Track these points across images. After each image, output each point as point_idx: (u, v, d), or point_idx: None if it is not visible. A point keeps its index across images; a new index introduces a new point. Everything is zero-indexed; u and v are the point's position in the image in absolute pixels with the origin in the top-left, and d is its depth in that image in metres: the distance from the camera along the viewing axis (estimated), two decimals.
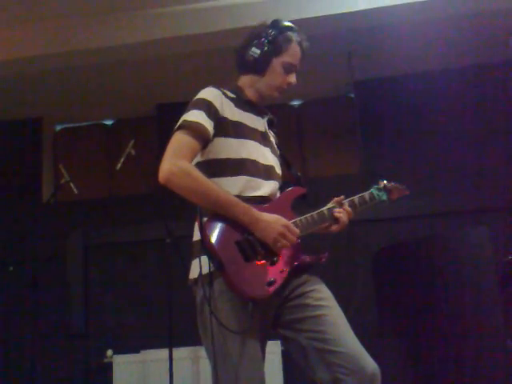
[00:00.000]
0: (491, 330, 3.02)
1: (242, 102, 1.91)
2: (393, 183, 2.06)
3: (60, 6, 3.83)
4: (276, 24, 1.94)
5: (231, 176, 1.79)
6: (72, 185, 3.88)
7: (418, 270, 3.31)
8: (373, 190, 2.02)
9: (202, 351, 3.57)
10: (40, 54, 4.03)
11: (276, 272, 1.72)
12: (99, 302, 4.17)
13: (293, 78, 1.94)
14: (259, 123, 1.94)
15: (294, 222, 1.78)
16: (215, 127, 1.79)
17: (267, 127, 1.98)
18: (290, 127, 4.65)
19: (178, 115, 5.24)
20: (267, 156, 1.90)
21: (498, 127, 4.19)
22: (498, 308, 3.02)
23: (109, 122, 5.09)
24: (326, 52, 4.12)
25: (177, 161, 1.69)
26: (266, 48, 1.89)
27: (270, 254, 1.72)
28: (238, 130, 1.84)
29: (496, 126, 4.19)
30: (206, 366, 3.53)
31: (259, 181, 1.83)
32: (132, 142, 3.77)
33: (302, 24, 3.71)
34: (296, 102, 4.88)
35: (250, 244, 1.70)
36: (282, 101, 4.73)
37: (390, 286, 3.49)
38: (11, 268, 4.22)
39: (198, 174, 1.70)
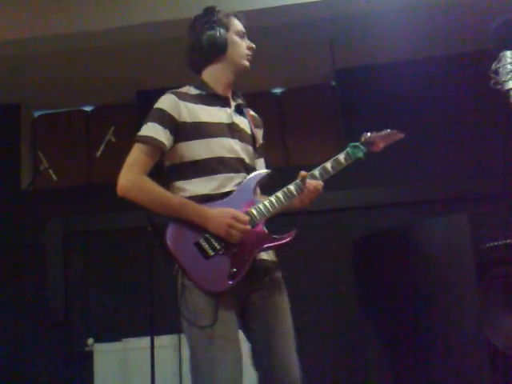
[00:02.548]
0: (468, 318, 3.05)
1: (206, 97, 1.97)
2: (375, 133, 2.07)
3: None
4: (209, 9, 2.07)
5: (198, 177, 1.89)
6: (51, 172, 3.83)
7: (398, 259, 3.33)
8: (348, 149, 2.04)
9: (184, 339, 3.59)
10: (18, 38, 3.94)
11: (240, 261, 1.80)
12: (79, 291, 4.14)
13: (250, 43, 2.06)
14: (224, 115, 1.98)
15: (255, 208, 1.86)
16: (175, 133, 1.88)
17: (235, 115, 2.01)
18: (272, 115, 4.64)
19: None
20: (235, 148, 1.95)
21: (480, 115, 4.21)
22: (475, 296, 3.05)
23: (88, 109, 5.02)
24: (308, 40, 4.12)
25: (130, 176, 1.84)
26: (217, 28, 1.99)
27: (229, 246, 1.81)
28: (199, 131, 1.90)
29: (478, 114, 4.21)
30: (188, 353, 3.55)
31: (227, 176, 1.90)
32: (112, 129, 3.74)
33: (283, 10, 3.78)
34: (278, 90, 4.86)
35: (207, 241, 1.80)
36: (264, 89, 4.72)
37: (370, 275, 3.52)
38: None
39: (150, 186, 1.83)
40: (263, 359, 1.89)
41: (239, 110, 2.05)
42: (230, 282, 1.79)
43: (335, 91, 4.64)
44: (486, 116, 4.18)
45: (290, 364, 1.89)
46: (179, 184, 1.91)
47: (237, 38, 2.03)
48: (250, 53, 2.05)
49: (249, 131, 2.05)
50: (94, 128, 4.88)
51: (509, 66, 2.09)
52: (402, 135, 2.11)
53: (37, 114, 5.06)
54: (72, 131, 4.94)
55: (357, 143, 2.05)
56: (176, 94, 1.94)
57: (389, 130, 2.09)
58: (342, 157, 2.02)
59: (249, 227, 1.82)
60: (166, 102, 1.91)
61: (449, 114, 4.28)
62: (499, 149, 4.03)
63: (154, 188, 1.84)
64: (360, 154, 2.04)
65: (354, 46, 4.25)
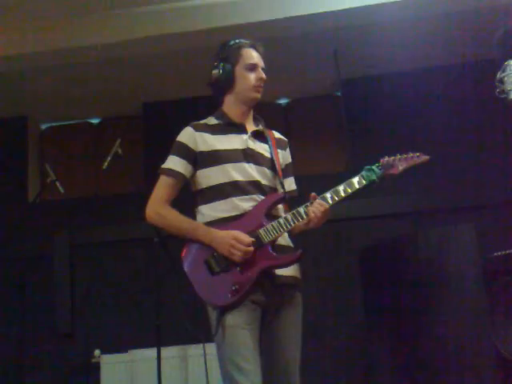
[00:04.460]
0: (475, 327, 3.03)
1: (223, 126, 2.14)
2: (393, 156, 2.09)
3: (45, 5, 3.81)
4: (222, 44, 2.17)
5: (215, 201, 2.07)
6: (58, 184, 3.86)
7: (404, 268, 3.33)
8: (363, 172, 2.06)
9: (190, 350, 3.60)
10: (26, 53, 4.02)
11: (244, 279, 1.96)
12: (86, 302, 4.15)
13: (261, 74, 2.13)
14: (239, 142, 2.12)
15: (264, 229, 1.99)
16: (193, 163, 2.10)
17: (251, 141, 2.14)
18: (277, 125, 4.64)
19: (164, 114, 5.22)
20: (249, 172, 2.09)
21: (484, 125, 4.22)
22: (484, 305, 3.04)
23: (95, 121, 5.07)
24: (313, 50, 4.14)
25: (153, 205, 2.09)
26: (222, 64, 2.11)
27: (233, 264, 1.97)
28: (214, 158, 2.08)
29: (482, 123, 4.22)
30: (194, 364, 3.55)
31: (241, 199, 2.05)
32: (118, 141, 3.76)
33: (289, 22, 3.80)
34: (283, 101, 4.89)
35: (215, 259, 1.98)
36: (269, 99, 4.74)
37: (377, 284, 3.51)
38: None
39: (167, 214, 2.08)
40: (265, 373, 1.97)
41: (257, 136, 2.17)
42: (231, 298, 1.93)
43: (340, 101, 4.66)
44: (489, 125, 4.18)
45: (290, 380, 2.02)
46: (201, 208, 2.11)
47: (244, 72, 2.11)
48: (259, 84, 2.12)
49: (268, 155, 2.15)
50: (100, 140, 4.92)
51: None
52: (426, 158, 2.11)
53: (44, 126, 5.10)
54: (78, 143, 4.98)
55: (372, 166, 2.06)
56: (194, 126, 2.13)
57: (411, 154, 2.11)
58: (355, 180, 2.05)
59: (251, 248, 1.96)
60: (184, 135, 2.12)
61: (452, 124, 4.28)
62: (503, 158, 4.03)
63: (172, 215, 2.07)
64: (373, 177, 2.04)
65: (359, 57, 4.26)
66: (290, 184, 2.23)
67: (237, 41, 2.14)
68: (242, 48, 2.12)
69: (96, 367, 3.72)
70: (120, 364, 3.65)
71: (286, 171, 2.22)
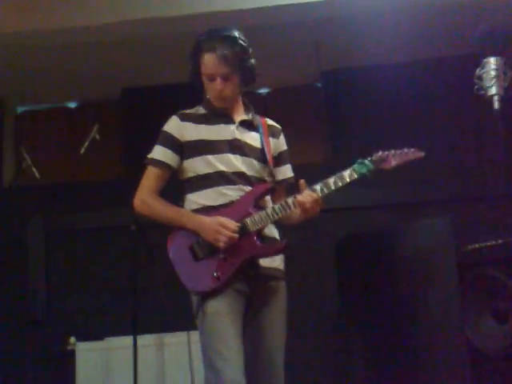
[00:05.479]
0: (451, 319, 3.07)
1: (210, 116, 2.13)
2: (387, 151, 2.05)
3: None
4: (195, 40, 2.08)
5: (201, 190, 2.08)
6: (34, 169, 3.80)
7: (381, 261, 3.36)
8: (354, 165, 2.03)
9: (166, 338, 3.60)
10: (3, 33, 3.91)
11: (225, 266, 1.97)
12: (61, 289, 4.10)
13: (216, 85, 2.05)
14: (226, 132, 2.11)
15: (250, 218, 1.99)
16: (180, 152, 2.11)
17: (238, 131, 2.12)
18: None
19: (143, 100, 5.15)
20: (234, 163, 2.08)
21: (465, 118, 4.25)
22: (457, 297, 3.08)
23: (73, 105, 4.99)
24: (294, 40, 4.13)
25: (140, 195, 2.12)
26: (191, 68, 2.10)
27: (217, 251, 1.99)
28: (201, 148, 2.08)
29: (463, 117, 4.25)
30: (170, 353, 3.55)
31: (227, 188, 2.05)
32: (96, 127, 3.72)
33: (270, 11, 3.78)
34: (263, 90, 4.87)
35: (199, 245, 2.01)
36: (250, 88, 4.71)
37: (353, 276, 3.54)
38: None
39: (154, 203, 2.10)
40: (249, 362, 1.98)
41: (246, 125, 2.15)
42: (212, 284, 1.95)
43: (321, 92, 4.66)
44: (467, 118, 4.22)
45: (274, 371, 2.04)
46: (189, 196, 2.12)
47: (205, 81, 2.07)
48: (217, 95, 2.07)
49: (257, 144, 2.14)
50: (77, 125, 4.84)
51: (492, 73, 2.13)
52: (421, 154, 2.08)
53: (20, 109, 5.00)
54: (55, 128, 4.88)
55: (364, 160, 2.04)
56: (180, 115, 2.13)
57: (406, 149, 2.07)
58: (346, 173, 2.02)
59: (236, 235, 1.97)
60: (170, 125, 2.13)
61: (431, 117, 4.31)
62: (480, 152, 4.09)
63: (158, 204, 2.10)
64: (364, 171, 2.02)
65: (340, 48, 4.25)
66: (286, 171, 2.22)
67: (201, 39, 2.05)
68: (201, 53, 2.04)
69: (71, 355, 3.69)
70: (95, 352, 3.62)
71: (280, 159, 2.21)
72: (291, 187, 2.19)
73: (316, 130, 4.67)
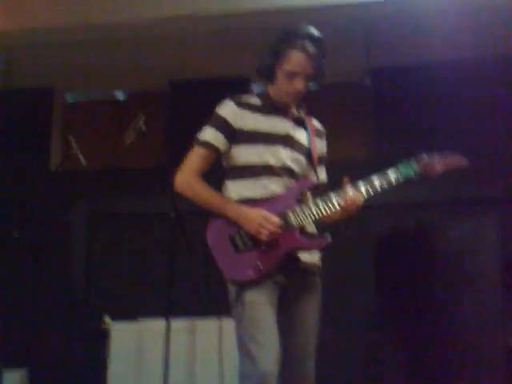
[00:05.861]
0: (489, 319, 3.04)
1: (265, 107, 2.10)
2: (430, 155, 2.03)
3: None
4: (281, 33, 2.06)
5: (245, 179, 2.06)
6: (80, 156, 3.93)
7: (420, 258, 3.32)
8: (399, 165, 2.02)
9: (198, 324, 3.66)
10: (57, 26, 4.07)
11: (266, 259, 1.96)
12: (101, 270, 4.24)
13: (298, 84, 2.05)
14: (280, 126, 2.09)
15: (293, 213, 1.99)
16: (230, 138, 2.07)
17: (291, 127, 2.11)
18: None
19: (191, 93, 5.23)
20: (283, 158, 2.06)
21: None
22: (499, 297, 3.04)
23: (121, 95, 5.13)
24: (344, 38, 4.13)
25: (184, 175, 2.09)
26: (268, 59, 2.05)
27: (259, 243, 1.97)
28: (253, 138, 2.05)
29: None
30: (202, 338, 3.62)
31: (273, 182, 2.03)
32: (143, 118, 3.81)
33: (321, 10, 3.80)
34: (312, 86, 4.87)
35: (240, 237, 1.99)
36: None
37: (392, 273, 3.49)
38: (16, 233, 4.29)
39: (198, 186, 2.06)
40: (282, 353, 1.97)
41: (298, 122, 2.15)
42: (253, 275, 1.95)
43: (369, 90, 4.64)
44: None
45: (304, 365, 2.05)
46: (230, 183, 2.10)
47: (283, 76, 2.04)
48: (294, 93, 2.07)
49: (305, 143, 2.14)
50: (124, 115, 4.96)
51: None
52: (465, 162, 2.07)
53: (69, 98, 5.18)
54: (103, 117, 5.03)
55: (409, 161, 2.03)
56: (236, 101, 2.09)
57: (450, 155, 2.07)
58: (392, 175, 2.01)
59: (278, 230, 1.96)
60: (225, 109, 2.08)
61: (480, 115, 4.22)
62: None
63: (202, 188, 2.06)
64: (411, 173, 2.01)
65: (390, 46, 4.24)
66: (321, 174, 2.22)
67: (291, 36, 2.02)
68: (289, 49, 2.01)
69: (106, 333, 3.80)
70: (129, 332, 3.70)
71: (320, 161, 2.21)
72: (324, 189, 2.18)
73: (362, 127, 4.64)
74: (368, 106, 4.59)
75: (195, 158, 2.09)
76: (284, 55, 2.02)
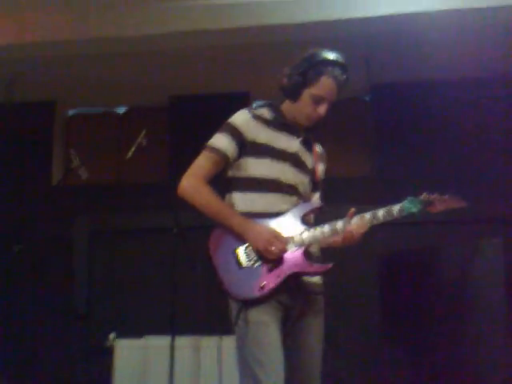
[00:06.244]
0: (499, 343, 3.00)
1: (277, 123, 2.09)
2: (437, 195, 2.02)
3: None
4: (311, 57, 2.04)
5: (252, 192, 2.02)
6: (82, 170, 3.92)
7: (426, 279, 3.28)
8: (405, 202, 2.01)
9: (203, 341, 3.65)
10: (59, 40, 4.08)
11: (272, 277, 1.92)
12: (103, 286, 4.22)
13: (322, 109, 2.05)
14: (290, 144, 2.09)
15: (298, 234, 1.96)
16: (241, 148, 2.03)
17: (300, 146, 2.11)
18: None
19: (191, 108, 5.24)
20: (291, 176, 2.06)
21: None
22: (504, 320, 3.00)
23: (121, 110, 5.14)
24: (344, 54, 4.14)
25: (191, 179, 2.00)
26: (296, 79, 2.03)
27: (264, 261, 1.93)
28: (264, 152, 2.03)
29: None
30: (206, 355, 3.60)
31: (280, 197, 2.02)
32: (144, 132, 3.81)
33: (322, 26, 3.82)
34: None
35: (246, 252, 1.95)
36: None
37: (395, 293, 3.47)
38: (17, 248, 4.27)
39: (206, 192, 1.99)
40: (287, 375, 1.94)
41: (306, 144, 2.15)
42: (257, 293, 1.90)
43: (369, 106, 4.66)
44: None
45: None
46: (236, 195, 2.05)
47: (308, 99, 2.04)
48: (315, 117, 2.06)
49: (309, 165, 2.15)
50: (125, 129, 4.99)
51: None
52: (464, 204, 2.04)
53: (71, 112, 5.19)
54: (104, 131, 5.05)
55: (415, 198, 2.01)
56: (251, 112, 2.08)
57: (449, 196, 2.03)
58: (396, 209, 1.99)
59: (287, 249, 1.94)
60: (240, 119, 2.06)
61: (482, 134, 4.25)
62: None
63: (209, 195, 1.99)
64: (413, 210, 2.00)
65: (390, 63, 4.28)
66: (316, 199, 2.20)
67: (324, 62, 2.01)
68: (322, 75, 2.00)
69: (110, 351, 3.78)
70: (134, 349, 3.69)
71: (318, 186, 2.20)
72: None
73: (362, 142, 4.67)
74: (368, 121, 4.61)
75: (204, 163, 2.03)
76: (315, 79, 2.01)
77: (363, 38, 4.02)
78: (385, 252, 3.68)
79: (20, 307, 4.27)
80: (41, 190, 4.68)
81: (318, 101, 2.03)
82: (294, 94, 2.06)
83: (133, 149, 3.86)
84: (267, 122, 2.08)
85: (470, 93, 4.33)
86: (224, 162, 2.03)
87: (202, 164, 2.03)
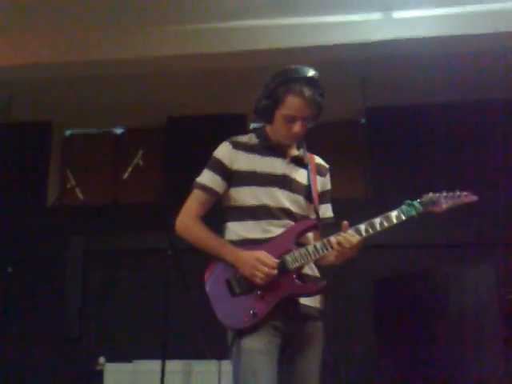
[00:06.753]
0: (490, 368, 2.96)
1: (263, 147, 2.10)
2: (438, 193, 1.99)
3: (79, 16, 3.90)
4: (277, 75, 2.02)
5: (244, 221, 2.04)
6: (77, 190, 3.90)
7: (419, 303, 3.26)
8: (403, 206, 1.97)
9: (194, 365, 3.59)
10: (57, 62, 4.11)
11: (263, 304, 1.91)
12: (95, 309, 4.16)
13: (296, 128, 2.02)
14: (277, 166, 2.07)
15: (290, 255, 1.94)
16: (228, 180, 2.07)
17: (289, 166, 2.09)
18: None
19: (188, 129, 5.26)
20: (281, 199, 2.04)
21: (509, 161, 4.18)
22: (499, 347, 2.96)
23: (119, 131, 5.14)
24: (341, 77, 4.18)
25: (183, 218, 2.08)
26: (266, 101, 2.03)
27: (254, 287, 1.92)
28: (250, 179, 2.05)
29: (508, 159, 4.18)
30: (197, 380, 3.53)
31: (270, 223, 2.01)
32: (140, 153, 3.80)
33: (321, 50, 3.85)
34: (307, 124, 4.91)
35: (237, 280, 1.95)
36: None
37: (390, 317, 3.44)
38: (10, 269, 4.22)
39: (196, 229, 2.05)
40: None
41: (297, 162, 2.12)
42: (248, 322, 1.89)
43: (364, 128, 4.67)
44: None
45: None
46: (230, 225, 2.07)
47: (281, 119, 2.02)
48: (292, 136, 2.04)
49: (305, 181, 2.11)
50: (122, 150, 4.98)
51: None
52: (474, 198, 2.00)
53: (68, 132, 5.19)
54: (101, 152, 5.04)
55: (413, 201, 1.98)
56: (233, 142, 2.09)
57: (458, 192, 2.00)
58: (393, 214, 1.95)
59: (274, 271, 1.91)
60: (222, 151, 2.08)
61: (477, 159, 4.25)
62: None
63: (200, 231, 2.05)
64: (413, 213, 1.95)
65: (386, 86, 4.30)
66: (326, 211, 2.16)
67: (289, 79, 1.97)
68: (288, 93, 1.97)
69: (99, 375, 3.72)
70: (123, 373, 3.63)
71: (324, 198, 2.16)
72: (330, 227, 2.10)
73: (358, 165, 4.68)
74: (364, 144, 4.62)
75: (194, 202, 2.09)
76: (282, 100, 1.99)
77: (360, 62, 4.05)
78: (380, 276, 3.65)
79: (12, 330, 4.20)
80: (36, 210, 4.64)
81: (289, 120, 2.01)
82: (267, 116, 2.06)
83: (129, 169, 3.85)
84: (250, 149, 2.08)
85: (464, 116, 4.35)
86: (213, 197, 2.07)
87: (191, 203, 2.09)
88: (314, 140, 5.25)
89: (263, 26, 3.91)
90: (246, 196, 2.03)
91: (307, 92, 1.98)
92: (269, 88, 2.02)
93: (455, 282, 3.21)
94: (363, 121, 4.73)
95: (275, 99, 2.01)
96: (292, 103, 1.99)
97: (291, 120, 2.01)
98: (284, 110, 2.00)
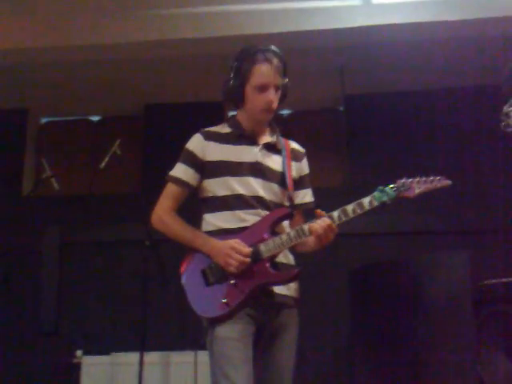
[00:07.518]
0: (462, 358, 2.98)
1: (234, 136, 2.10)
2: (411, 178, 1.99)
3: (54, 0, 3.81)
4: (238, 55, 2.05)
5: (219, 211, 2.06)
6: (53, 180, 3.82)
7: (394, 291, 3.29)
8: (375, 192, 1.97)
9: (173, 356, 3.57)
10: (32, 47, 4.00)
11: (236, 293, 1.93)
12: (72, 301, 4.11)
13: (270, 94, 2.02)
14: (249, 154, 2.08)
15: (264, 244, 1.96)
16: (201, 171, 2.08)
17: (262, 154, 2.09)
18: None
19: (166, 117, 5.21)
20: (254, 187, 2.05)
21: (487, 149, 4.18)
22: (471, 334, 2.99)
23: (96, 118, 5.05)
24: (319, 64, 4.16)
25: (158, 212, 2.11)
26: (233, 81, 2.03)
27: (228, 276, 1.95)
28: (222, 169, 2.06)
29: (485, 147, 4.19)
30: (176, 371, 3.52)
31: (245, 212, 2.02)
32: (118, 142, 3.74)
33: (299, 36, 3.81)
34: (284, 111, 4.89)
35: (211, 270, 1.98)
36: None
37: (366, 306, 3.46)
38: None
39: (171, 221, 2.08)
40: None
41: (270, 148, 2.12)
42: (221, 311, 1.91)
43: (342, 116, 4.66)
44: (489, 149, 4.16)
45: None
46: (206, 216, 2.10)
47: (253, 92, 2.02)
48: (268, 106, 2.04)
49: (278, 168, 2.10)
50: (99, 138, 4.89)
51: None
52: (448, 182, 2.00)
53: (44, 120, 5.08)
54: (77, 140, 4.94)
55: (385, 187, 1.97)
56: (204, 133, 2.10)
57: (431, 177, 2.00)
58: (366, 200, 1.95)
59: (248, 260, 1.93)
60: (193, 143, 2.10)
61: (453, 146, 4.28)
62: (503, 185, 4.02)
63: (174, 223, 2.08)
64: (384, 198, 1.95)
65: (364, 74, 4.28)
66: (305, 196, 2.16)
67: (252, 52, 2.01)
68: (254, 64, 2.00)
69: (77, 368, 3.68)
70: (101, 366, 3.61)
71: (301, 183, 2.16)
72: (311, 212, 2.09)
73: (335, 153, 4.67)
74: (342, 132, 4.61)
75: (168, 195, 2.11)
76: (250, 71, 2.00)
77: (338, 49, 4.03)
78: (355, 265, 3.65)
79: None
80: (11, 200, 4.54)
81: (261, 89, 2.01)
82: (237, 97, 2.05)
83: (106, 159, 3.78)
84: (222, 138, 2.09)
85: (442, 103, 4.34)
86: (187, 190, 2.10)
87: (164, 196, 2.12)
88: (292, 128, 5.27)
89: (240, 11, 3.85)
90: (220, 186, 2.05)
91: (273, 59, 2.02)
92: (233, 68, 2.03)
93: (428, 269, 3.23)
94: (341, 108, 4.72)
95: (242, 75, 2.01)
96: (260, 71, 2.00)
97: (263, 89, 2.01)
98: (254, 81, 2.00)
